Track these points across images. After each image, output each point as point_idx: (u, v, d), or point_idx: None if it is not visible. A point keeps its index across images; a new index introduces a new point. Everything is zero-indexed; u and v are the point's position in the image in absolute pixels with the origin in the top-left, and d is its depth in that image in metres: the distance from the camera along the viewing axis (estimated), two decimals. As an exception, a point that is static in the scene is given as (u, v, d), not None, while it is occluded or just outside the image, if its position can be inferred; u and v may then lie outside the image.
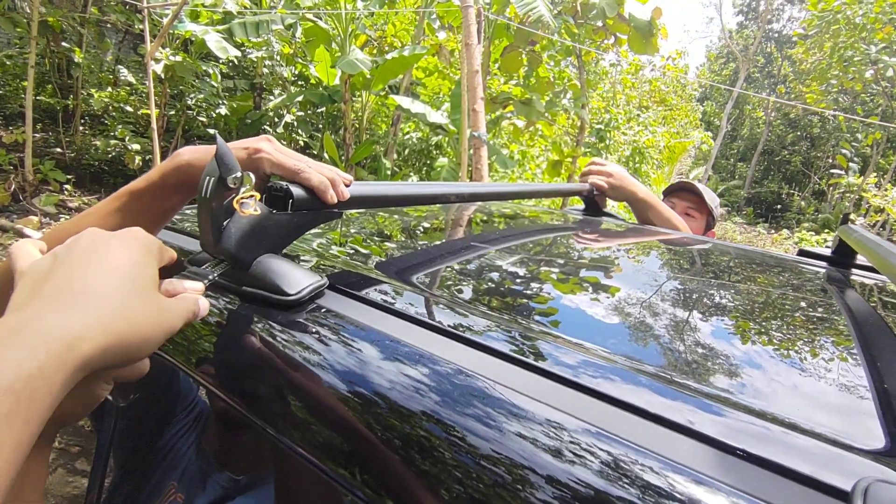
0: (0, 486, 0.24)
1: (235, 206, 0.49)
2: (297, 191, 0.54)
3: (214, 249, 0.49)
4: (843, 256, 1.12)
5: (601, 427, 0.35)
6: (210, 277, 0.48)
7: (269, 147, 0.58)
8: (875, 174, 13.50)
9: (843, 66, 13.86)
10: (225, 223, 0.49)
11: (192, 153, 0.58)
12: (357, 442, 0.39)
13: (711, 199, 1.98)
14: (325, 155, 8.02)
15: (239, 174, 0.48)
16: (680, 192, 2.02)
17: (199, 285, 0.45)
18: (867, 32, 12.82)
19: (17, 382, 0.26)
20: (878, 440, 0.37)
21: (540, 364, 0.41)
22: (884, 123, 12.45)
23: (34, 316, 0.30)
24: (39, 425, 0.27)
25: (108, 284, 0.35)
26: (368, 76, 7.37)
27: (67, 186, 6.81)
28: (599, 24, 7.80)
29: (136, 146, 6.98)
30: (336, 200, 0.57)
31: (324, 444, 0.41)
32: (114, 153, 7.35)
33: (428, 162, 9.64)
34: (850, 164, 15.13)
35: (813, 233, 12.73)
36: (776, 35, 25.57)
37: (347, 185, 0.59)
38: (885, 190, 10.41)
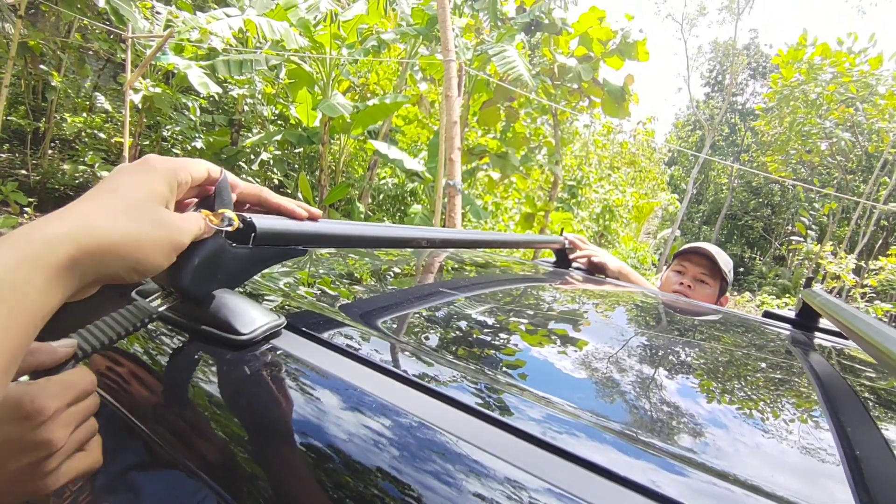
0: None
1: (211, 217, 0.46)
2: (260, 223, 0.50)
3: (165, 281, 0.46)
4: (806, 319, 1.13)
5: (564, 488, 0.33)
6: (153, 314, 0.44)
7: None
8: (831, 243, 14.10)
9: (801, 140, 14.68)
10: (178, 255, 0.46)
11: (159, 158, 0.57)
12: (305, 499, 0.36)
13: (725, 263, 1.82)
14: (300, 194, 8.00)
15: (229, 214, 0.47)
16: (692, 255, 1.86)
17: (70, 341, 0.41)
18: (822, 110, 13.68)
19: None
20: None
21: (505, 419, 0.39)
22: (839, 195, 13.10)
23: (28, 229, 0.33)
24: (25, 316, 0.30)
25: (102, 201, 0.37)
26: (348, 120, 7.46)
27: (28, 210, 6.59)
28: (575, 86, 8.14)
29: (106, 173, 6.84)
30: (306, 216, 0.56)
31: (269, 500, 0.37)
32: (81, 178, 7.19)
33: (402, 208, 9.71)
34: (809, 231, 15.78)
35: (774, 297, 13.08)
36: (740, 107, 27.08)
37: (316, 219, 0.57)
38: (841, 258, 10.84)
